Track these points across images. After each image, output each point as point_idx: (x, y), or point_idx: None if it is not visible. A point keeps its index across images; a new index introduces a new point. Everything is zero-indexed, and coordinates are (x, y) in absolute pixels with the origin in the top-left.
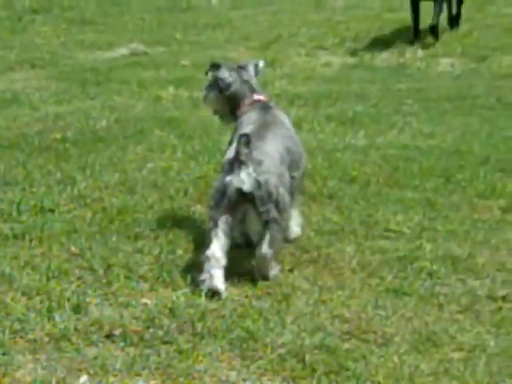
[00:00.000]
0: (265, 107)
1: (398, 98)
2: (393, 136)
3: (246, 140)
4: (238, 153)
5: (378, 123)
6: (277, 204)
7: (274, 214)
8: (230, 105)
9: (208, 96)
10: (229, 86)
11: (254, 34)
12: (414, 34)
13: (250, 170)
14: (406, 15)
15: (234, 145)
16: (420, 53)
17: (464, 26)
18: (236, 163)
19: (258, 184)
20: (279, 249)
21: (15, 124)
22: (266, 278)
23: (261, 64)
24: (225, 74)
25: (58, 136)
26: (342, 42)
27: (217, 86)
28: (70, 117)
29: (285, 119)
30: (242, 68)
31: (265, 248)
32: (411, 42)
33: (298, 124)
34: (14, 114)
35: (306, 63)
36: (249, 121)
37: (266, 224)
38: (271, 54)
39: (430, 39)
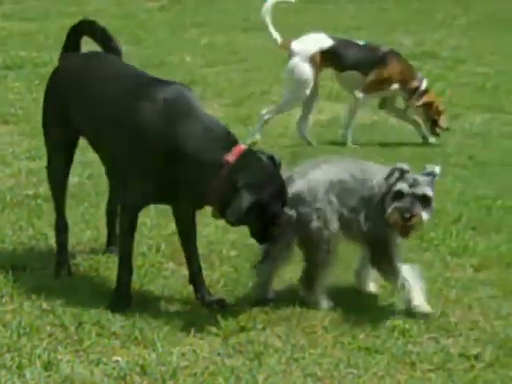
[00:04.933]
0: None
1: (369, 156)
2: None
3: None
4: None
5: None
6: None
7: None
8: None
9: None
10: None
11: (227, 90)
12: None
13: None
14: None
15: None
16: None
17: (438, 85)
18: None
19: None
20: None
21: None
22: None
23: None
24: None
25: (31, 192)
26: None
27: None
28: (43, 173)
29: None
30: None
31: None
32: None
33: None
34: None
35: (278, 120)
36: None
37: None
38: (244, 110)
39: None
